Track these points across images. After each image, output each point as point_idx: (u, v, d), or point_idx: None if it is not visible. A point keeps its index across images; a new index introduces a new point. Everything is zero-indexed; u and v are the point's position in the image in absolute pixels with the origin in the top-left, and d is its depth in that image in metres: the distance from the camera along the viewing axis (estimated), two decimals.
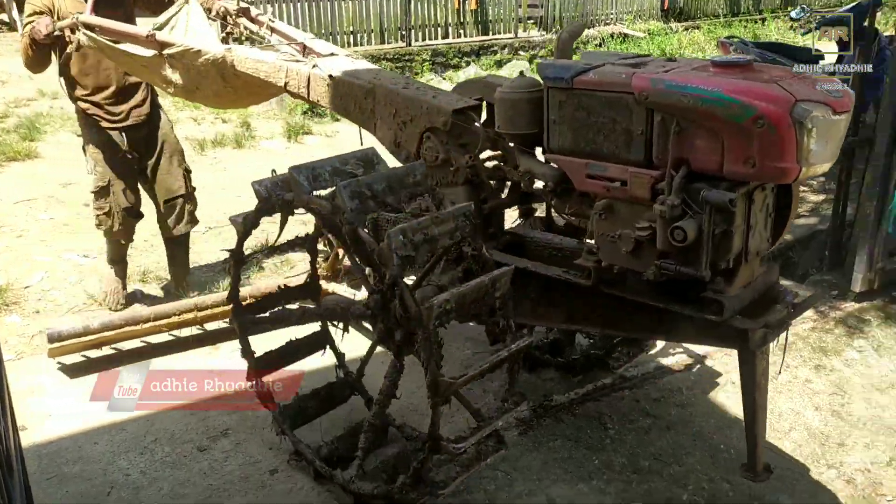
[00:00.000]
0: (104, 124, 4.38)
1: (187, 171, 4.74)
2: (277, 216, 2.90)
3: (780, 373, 3.66)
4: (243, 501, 3.05)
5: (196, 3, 4.04)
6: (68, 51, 4.08)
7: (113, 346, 3.94)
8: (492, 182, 3.15)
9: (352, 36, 12.20)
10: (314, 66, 3.50)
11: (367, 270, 2.75)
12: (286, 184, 2.73)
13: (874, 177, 4.53)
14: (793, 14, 11.68)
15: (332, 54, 3.80)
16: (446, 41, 13.14)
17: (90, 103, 4.35)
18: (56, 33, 4.05)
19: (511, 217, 3.69)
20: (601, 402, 3.68)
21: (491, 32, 13.76)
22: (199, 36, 3.82)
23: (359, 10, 12.18)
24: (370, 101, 3.34)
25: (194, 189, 4.81)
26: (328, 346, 3.45)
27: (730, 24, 16.23)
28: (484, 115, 3.16)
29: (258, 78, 3.61)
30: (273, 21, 4.32)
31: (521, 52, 13.55)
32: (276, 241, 3.09)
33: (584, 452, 3.34)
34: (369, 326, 3.90)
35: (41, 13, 4.12)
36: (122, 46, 3.85)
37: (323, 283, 3.69)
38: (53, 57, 4.34)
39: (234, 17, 4.30)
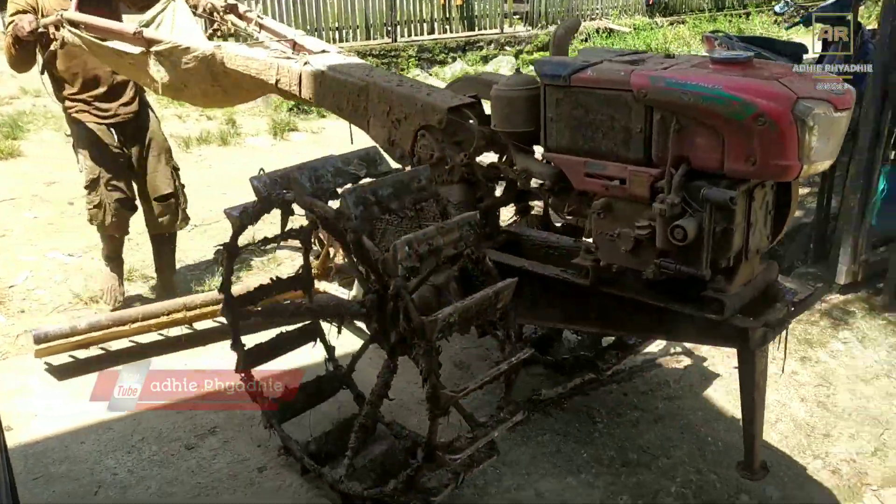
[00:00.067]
0: (92, 120, 4.31)
1: (175, 169, 4.68)
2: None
3: (783, 371, 3.69)
4: (231, 499, 3.03)
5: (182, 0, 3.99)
6: (52, 48, 4.00)
7: (101, 346, 3.92)
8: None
9: (337, 32, 12.12)
10: (306, 64, 3.45)
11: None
12: (285, 179, 2.68)
13: (858, 170, 4.56)
14: (777, 8, 11.73)
15: (323, 51, 3.76)
16: (432, 37, 13.08)
17: (78, 101, 4.29)
18: (40, 30, 3.97)
19: (506, 214, 3.68)
20: (589, 395, 3.68)
21: (477, 28, 13.72)
22: (187, 33, 3.76)
23: (344, 5, 12.09)
24: (363, 98, 3.30)
25: (183, 187, 4.75)
26: (318, 339, 3.41)
27: (714, 19, 16.30)
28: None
29: (248, 76, 3.56)
30: (262, 18, 4.27)
31: (507, 48, 13.52)
32: (277, 236, 3.03)
33: (572, 446, 3.35)
34: (361, 325, 3.94)
35: (24, 11, 4.04)
36: (108, 43, 3.79)
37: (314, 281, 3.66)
38: (38, 56, 4.26)
39: (221, 13, 4.24)
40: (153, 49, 3.62)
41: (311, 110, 9.71)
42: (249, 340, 3.21)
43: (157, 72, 3.69)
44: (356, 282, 3.86)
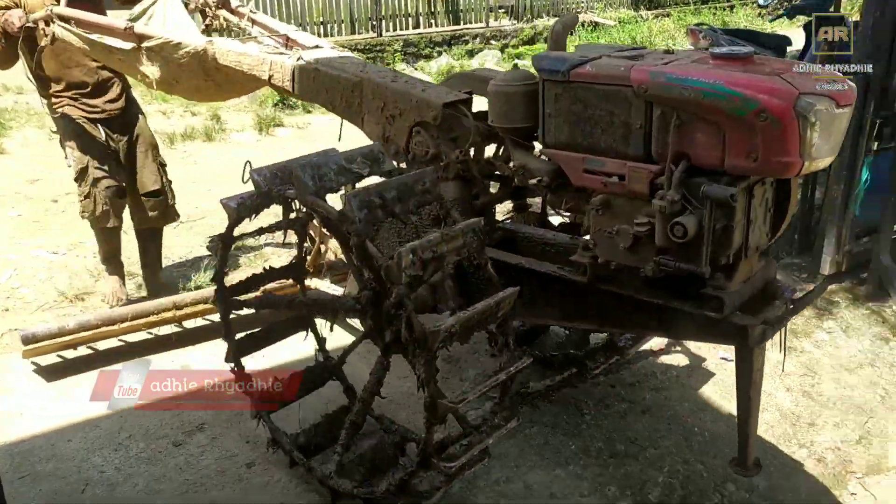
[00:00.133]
0: (79, 115, 4.25)
1: (162, 166, 4.63)
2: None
3: (783, 370, 3.72)
4: (220, 495, 3.01)
5: None
6: (42, 44, 3.93)
7: (89, 345, 3.88)
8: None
9: (322, 27, 12.03)
10: (299, 59, 3.41)
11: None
12: (285, 173, 2.63)
13: (841, 161, 4.55)
14: (760, 1, 11.78)
15: (316, 46, 3.71)
16: (417, 31, 13.03)
17: (64, 98, 4.23)
18: (30, 25, 3.91)
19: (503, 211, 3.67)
20: (577, 388, 3.68)
21: (462, 22, 13.67)
22: (179, 28, 3.71)
23: (328, 0, 12.03)
24: (357, 95, 3.26)
25: (170, 182, 4.71)
26: (309, 329, 3.38)
27: (699, 12, 16.33)
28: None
29: (241, 71, 3.51)
30: (254, 13, 4.22)
31: (492, 42, 13.49)
32: (271, 225, 2.98)
33: (560, 438, 3.36)
34: (354, 322, 3.91)
35: (7, 7, 3.98)
36: (99, 39, 3.73)
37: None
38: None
39: (213, 8, 4.19)
40: (144, 45, 3.57)
41: (296, 106, 9.65)
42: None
43: (149, 67, 3.64)
44: (349, 279, 3.83)
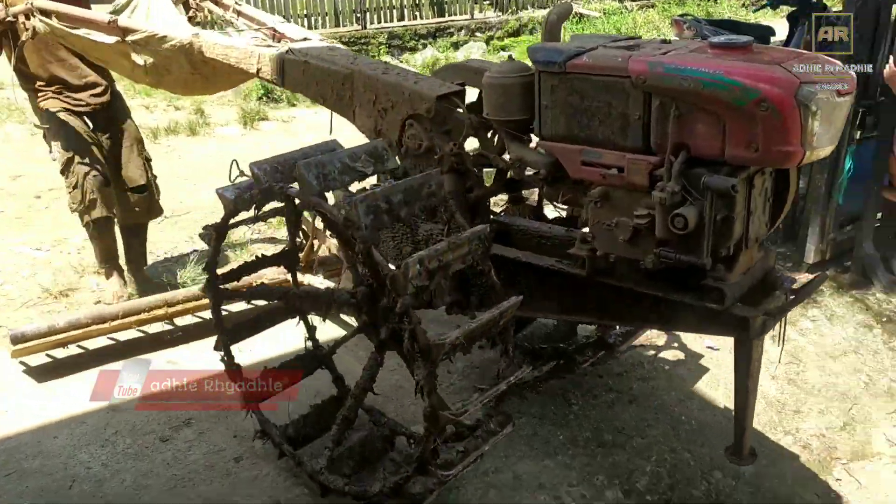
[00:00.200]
0: (64, 107, 4.19)
1: (147, 160, 4.59)
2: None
3: (780, 361, 3.73)
4: (208, 490, 3.00)
5: None
6: (23, 38, 3.85)
7: (79, 344, 3.83)
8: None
9: (306, 19, 11.96)
10: (288, 52, 3.35)
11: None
12: (286, 167, 2.58)
13: None
14: None
15: (305, 38, 3.66)
16: (402, 24, 12.98)
17: (48, 91, 4.16)
18: (9, 19, 3.83)
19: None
20: (565, 378, 3.69)
21: (447, 14, 13.63)
22: (165, 20, 3.64)
23: None
24: (348, 87, 3.21)
25: (155, 178, 4.67)
26: (300, 318, 3.34)
27: (683, 3, 16.34)
28: None
29: (228, 64, 3.45)
30: (239, 4, 4.15)
31: (477, 34, 13.45)
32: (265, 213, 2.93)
33: (549, 428, 3.37)
34: (347, 318, 3.87)
35: None
36: (81, 33, 3.65)
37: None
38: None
39: (198, 0, 4.12)
40: (129, 38, 3.50)
41: (281, 99, 9.59)
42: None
43: (135, 61, 3.57)
44: (342, 274, 3.79)
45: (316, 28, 11.92)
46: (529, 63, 2.63)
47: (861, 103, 4.48)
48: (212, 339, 3.07)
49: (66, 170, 4.25)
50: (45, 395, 3.60)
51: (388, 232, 3.05)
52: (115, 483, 3.04)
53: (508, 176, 2.99)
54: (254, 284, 3.68)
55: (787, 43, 6.92)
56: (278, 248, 3.20)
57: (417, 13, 13.27)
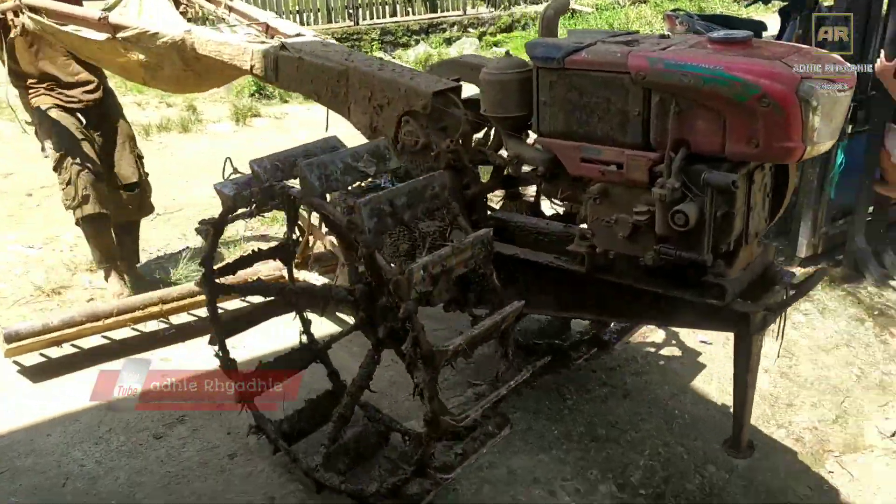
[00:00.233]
0: (55, 104, 4.15)
1: (139, 157, 4.56)
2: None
3: (778, 356, 3.73)
4: (202, 487, 2.99)
5: None
6: (11, 35, 3.81)
7: (73, 343, 3.80)
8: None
9: (298, 15, 11.91)
10: (281, 48, 3.32)
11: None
12: (287, 165, 2.56)
13: None
14: None
15: (298, 35, 3.62)
16: (394, 19, 12.94)
17: (39, 88, 4.13)
18: None
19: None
20: (559, 373, 3.68)
21: (439, 10, 13.59)
22: (157, 16, 3.60)
23: None
24: (343, 84, 3.18)
25: (147, 175, 4.63)
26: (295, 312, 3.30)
27: None
28: None
29: (221, 61, 3.42)
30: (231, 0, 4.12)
31: (470, 30, 13.41)
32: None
33: (543, 423, 3.37)
34: (343, 316, 3.85)
35: None
36: (72, 30, 3.61)
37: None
38: None
39: None
40: (120, 35, 3.46)
41: (273, 96, 9.55)
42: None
43: (126, 58, 3.53)
44: (338, 270, 3.77)
45: (308, 24, 11.86)
46: (527, 59, 2.61)
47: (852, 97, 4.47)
48: (206, 337, 3.06)
49: (58, 167, 4.19)
50: (39, 393, 3.58)
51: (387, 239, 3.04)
52: (109, 481, 3.03)
53: (506, 172, 2.97)
54: (249, 280, 3.65)
55: (778, 38, 6.92)
56: (272, 245, 3.17)
57: (410, 9, 13.23)
